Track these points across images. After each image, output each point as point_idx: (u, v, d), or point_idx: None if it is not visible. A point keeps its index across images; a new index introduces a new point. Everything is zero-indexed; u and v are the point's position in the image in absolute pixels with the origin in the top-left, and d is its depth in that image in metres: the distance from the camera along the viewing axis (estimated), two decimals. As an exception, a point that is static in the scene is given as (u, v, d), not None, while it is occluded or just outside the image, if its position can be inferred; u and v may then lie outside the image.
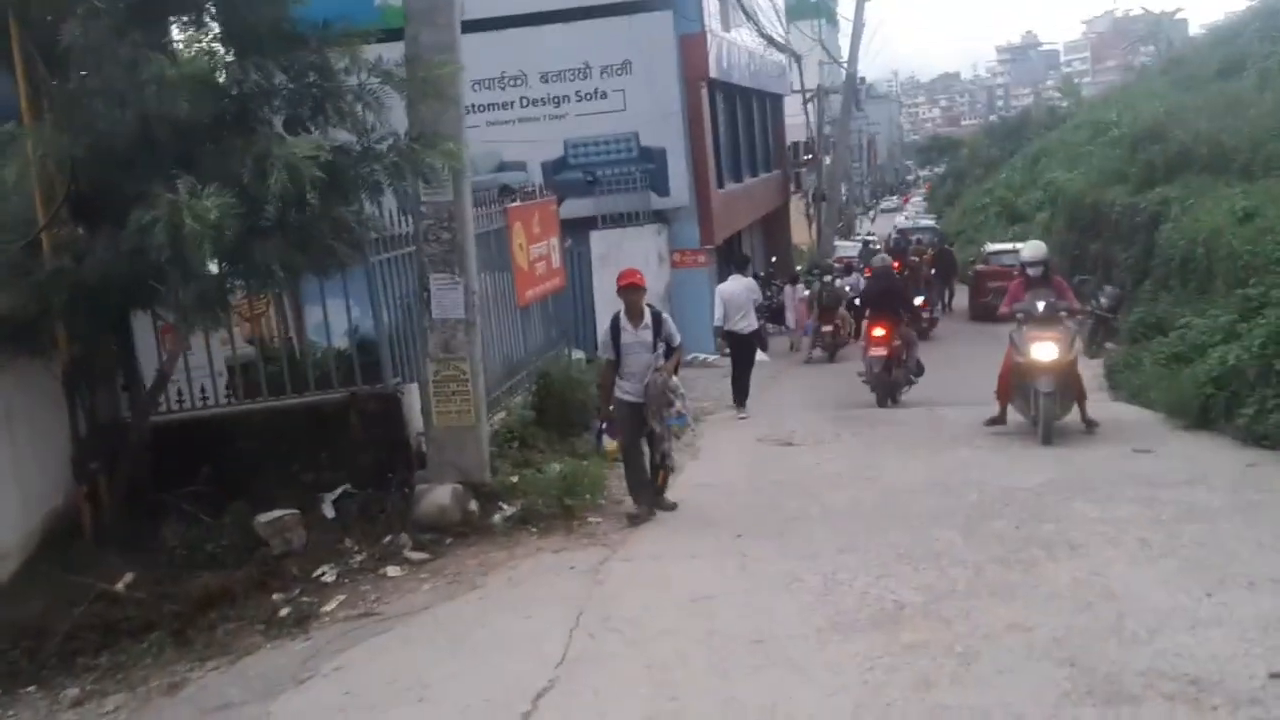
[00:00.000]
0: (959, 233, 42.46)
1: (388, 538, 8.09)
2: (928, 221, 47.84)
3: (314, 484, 8.63)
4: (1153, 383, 13.14)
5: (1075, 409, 11.02)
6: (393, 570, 7.65)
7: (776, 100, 31.10)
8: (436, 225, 8.59)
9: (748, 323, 14.48)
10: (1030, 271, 11.46)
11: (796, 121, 35.81)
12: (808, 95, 36.33)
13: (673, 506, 8.76)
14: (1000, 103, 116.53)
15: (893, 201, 75.37)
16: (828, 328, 20.55)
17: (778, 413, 14.05)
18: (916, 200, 71.22)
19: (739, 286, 14.72)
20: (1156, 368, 13.67)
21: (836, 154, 34.48)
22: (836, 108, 36.08)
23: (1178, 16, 61.64)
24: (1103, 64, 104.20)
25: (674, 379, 8.62)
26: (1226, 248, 16.53)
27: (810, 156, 34.99)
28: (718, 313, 14.47)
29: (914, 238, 34.19)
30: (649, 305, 8.81)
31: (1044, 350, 10.68)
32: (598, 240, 20.15)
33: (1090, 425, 10.97)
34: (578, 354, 14.27)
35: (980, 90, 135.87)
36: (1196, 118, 23.50)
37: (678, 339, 8.92)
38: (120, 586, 7.67)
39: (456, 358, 8.73)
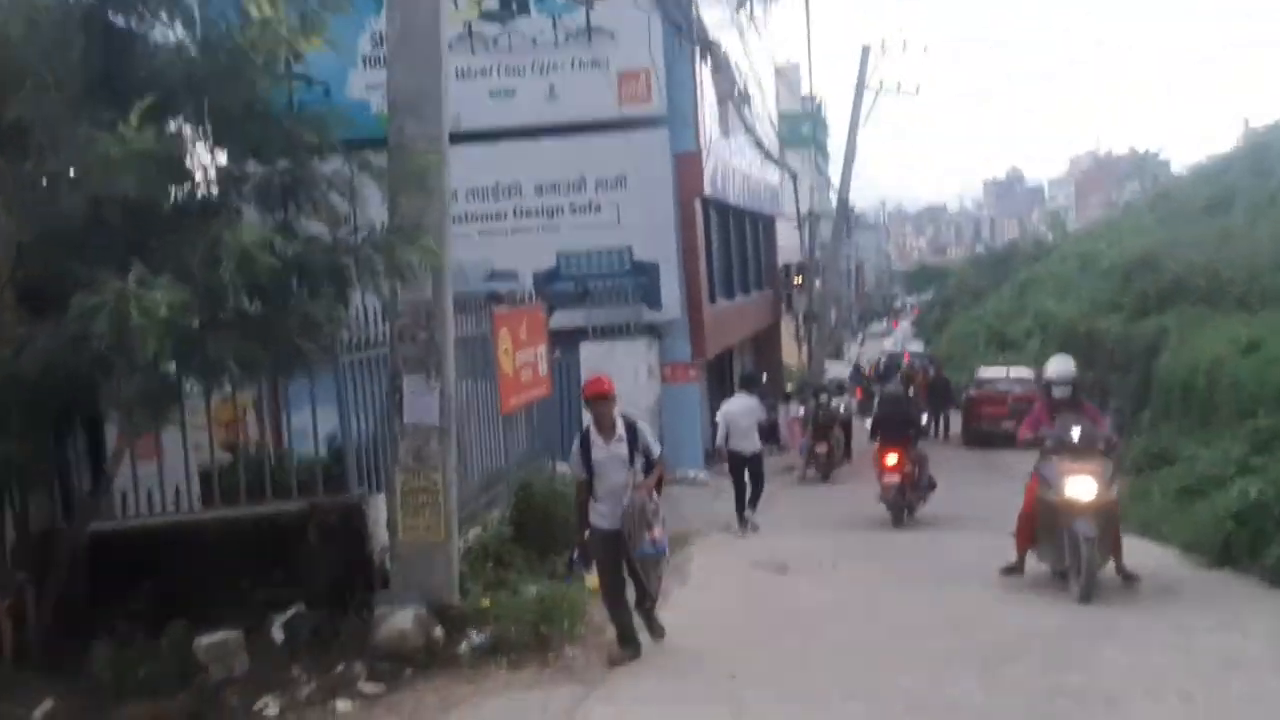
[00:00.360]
0: (949, 358, 42.12)
1: (340, 666, 7.23)
2: (916, 347, 47.65)
3: (266, 602, 7.79)
4: (1164, 516, 12.43)
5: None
6: (343, 705, 6.78)
7: (769, 222, 31.00)
8: (413, 324, 7.94)
9: (750, 443, 13.99)
10: (1056, 393, 9.73)
11: (788, 244, 35.77)
12: (801, 218, 36.29)
13: (662, 632, 7.89)
14: (986, 235, 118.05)
15: (881, 326, 75.47)
16: (821, 448, 19.87)
17: (773, 536, 13.29)
18: (905, 326, 71.29)
19: (743, 405, 14.31)
20: (1167, 501, 12.97)
21: (827, 276, 34.26)
22: (826, 233, 36.09)
23: (1160, 157, 62.51)
24: (1086, 200, 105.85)
25: (653, 500, 7.58)
26: (1230, 378, 16.04)
27: (801, 278, 34.80)
28: (720, 432, 14.02)
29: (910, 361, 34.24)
30: (622, 415, 7.77)
31: (1082, 487, 8.94)
32: (588, 351, 19.53)
33: (1129, 579, 9.16)
34: (562, 466, 13.52)
35: (966, 222, 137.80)
36: (1188, 250, 23.35)
37: (657, 450, 7.87)
38: (38, 715, 6.82)
39: (428, 467, 7.98)
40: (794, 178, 32.96)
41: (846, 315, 70.24)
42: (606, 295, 19.76)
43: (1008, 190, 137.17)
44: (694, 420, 20.37)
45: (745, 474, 13.98)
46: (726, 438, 13.98)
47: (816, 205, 43.54)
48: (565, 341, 19.78)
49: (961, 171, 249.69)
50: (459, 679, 7.11)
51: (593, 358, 19.47)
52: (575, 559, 8.62)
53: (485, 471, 10.80)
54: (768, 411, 22.10)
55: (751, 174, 26.97)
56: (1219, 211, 30.94)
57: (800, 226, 38.97)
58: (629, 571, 7.54)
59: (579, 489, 7.82)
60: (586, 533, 7.77)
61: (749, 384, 15.46)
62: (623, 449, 7.61)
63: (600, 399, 7.64)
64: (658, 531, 7.52)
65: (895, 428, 14.69)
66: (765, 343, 30.89)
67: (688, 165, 20.20)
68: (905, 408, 16.06)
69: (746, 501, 14.04)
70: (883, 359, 40.09)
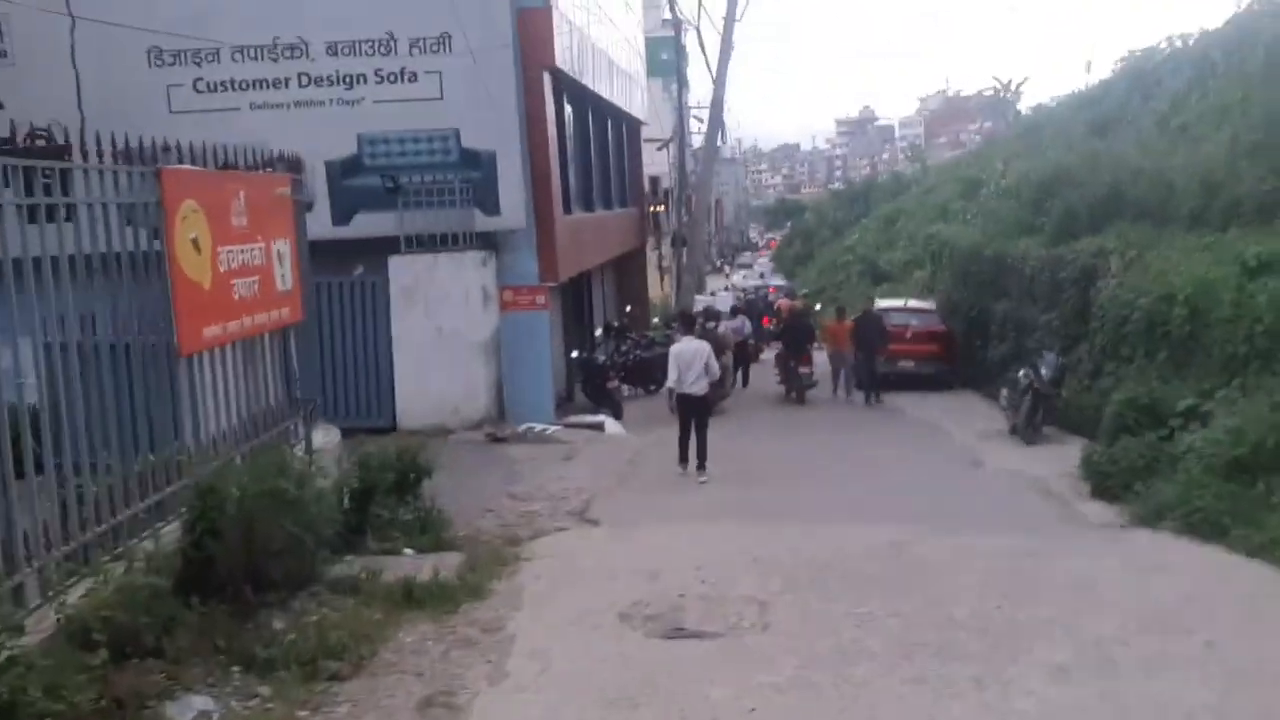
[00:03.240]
0: (820, 291, 38.35)
1: None
2: (778, 281, 44.07)
3: None
4: (1217, 504, 8.17)
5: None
6: None
7: (635, 127, 25.86)
8: None
9: (700, 386, 12.28)
10: None
11: (650, 168, 31.05)
12: (673, 133, 31.49)
13: None
14: (839, 173, 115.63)
15: (747, 258, 72.42)
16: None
17: (657, 524, 8.66)
18: (763, 261, 68.17)
19: (694, 347, 12.55)
20: (1209, 478, 8.74)
21: (700, 193, 29.32)
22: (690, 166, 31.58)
23: (1017, 92, 59.78)
24: (935, 139, 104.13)
25: None
26: (1231, 308, 12.00)
27: (666, 202, 30.10)
28: (672, 375, 12.40)
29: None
30: None
31: None
32: (399, 268, 14.39)
33: None
34: (325, 435, 8.50)
35: (819, 160, 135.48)
36: (1119, 162, 19.38)
37: None
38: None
39: None
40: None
41: (706, 249, 66.95)
42: (427, 194, 14.55)
43: (860, 129, 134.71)
44: (541, 359, 15.45)
45: (693, 420, 12.33)
46: (679, 380, 12.29)
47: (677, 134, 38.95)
48: (370, 254, 14.62)
49: (815, 111, 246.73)
50: None
51: (407, 276, 14.37)
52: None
53: (147, 461, 5.77)
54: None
55: (617, 61, 21.83)
56: (1101, 137, 27.51)
57: (666, 145, 34.29)
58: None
59: None
60: None
61: (689, 325, 14.08)
62: None
63: None
64: None
65: (796, 339, 19.37)
66: (628, 269, 25.98)
67: (534, 25, 15.02)
68: (806, 321, 20.89)
69: (694, 454, 12.30)
70: (745, 295, 36.46)
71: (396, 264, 14.35)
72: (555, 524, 9.49)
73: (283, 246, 7.81)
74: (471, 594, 6.42)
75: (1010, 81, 57.52)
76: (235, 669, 5.11)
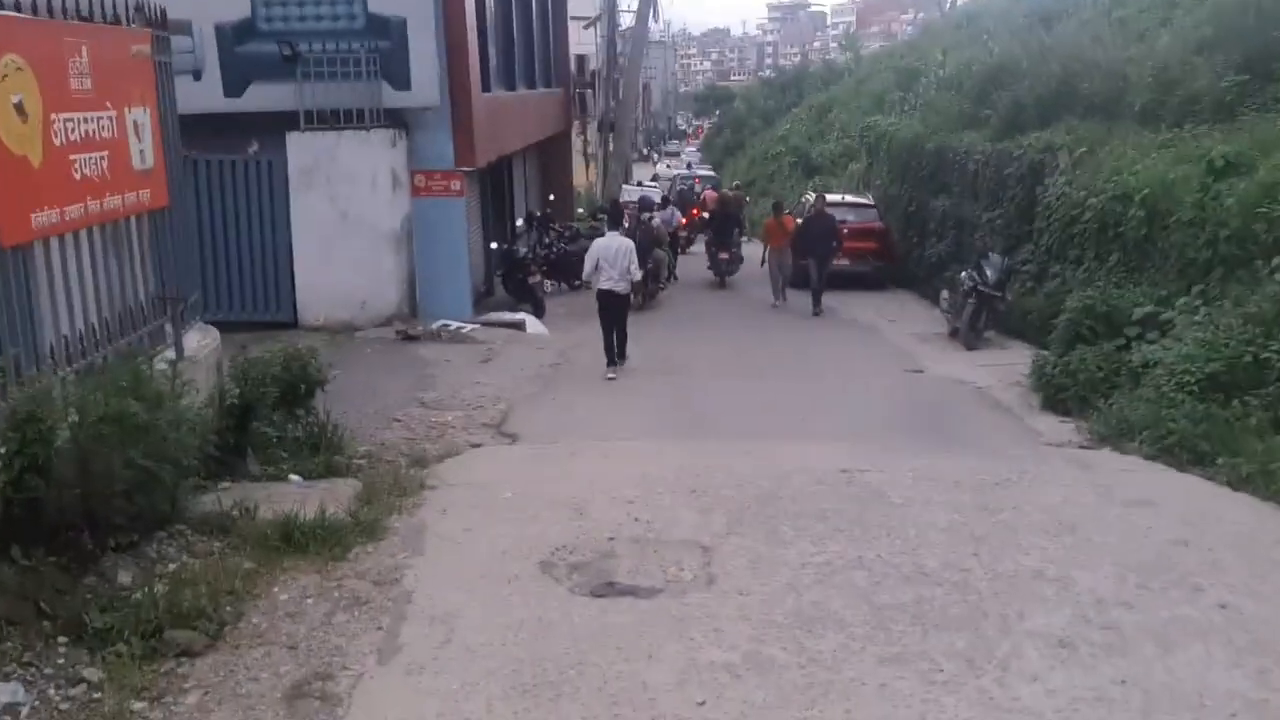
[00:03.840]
0: (750, 183, 37.27)
1: None
2: (705, 171, 42.79)
3: None
4: (1191, 427, 7.49)
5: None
6: None
7: (561, 1, 24.15)
8: None
9: (623, 284, 11.76)
10: None
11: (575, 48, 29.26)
12: (596, 16, 29.69)
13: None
14: (770, 60, 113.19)
15: (675, 146, 70.71)
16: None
17: (582, 441, 7.79)
18: (691, 150, 66.60)
19: (616, 244, 11.89)
20: (1182, 396, 8.05)
21: (630, 75, 27.71)
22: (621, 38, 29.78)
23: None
24: (866, 29, 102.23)
25: None
26: (1194, 211, 11.30)
27: (591, 82, 28.48)
28: (588, 266, 11.96)
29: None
30: None
31: None
32: (298, 147, 12.99)
33: None
34: (202, 337, 7.35)
35: (750, 47, 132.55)
36: (1060, 57, 18.41)
37: None
38: None
39: None
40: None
41: (633, 136, 65.09)
42: (329, 64, 13.07)
43: (792, 15, 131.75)
44: (457, 251, 14.24)
45: (614, 318, 11.89)
46: (595, 271, 11.81)
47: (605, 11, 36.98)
48: (266, 131, 13.16)
49: None
50: None
51: (306, 156, 13.00)
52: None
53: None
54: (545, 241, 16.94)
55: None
56: (1044, 29, 26.53)
57: (594, 24, 32.52)
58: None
59: None
60: None
61: (618, 219, 13.25)
62: None
63: None
64: None
65: (724, 228, 20.11)
66: (552, 155, 24.54)
67: None
68: (734, 211, 21.05)
69: (615, 349, 11.88)
70: (678, 181, 35.15)
71: (295, 142, 12.94)
72: (469, 438, 8.55)
73: (141, 116, 6.52)
74: (365, 534, 5.46)
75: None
76: (61, 641, 4.11)
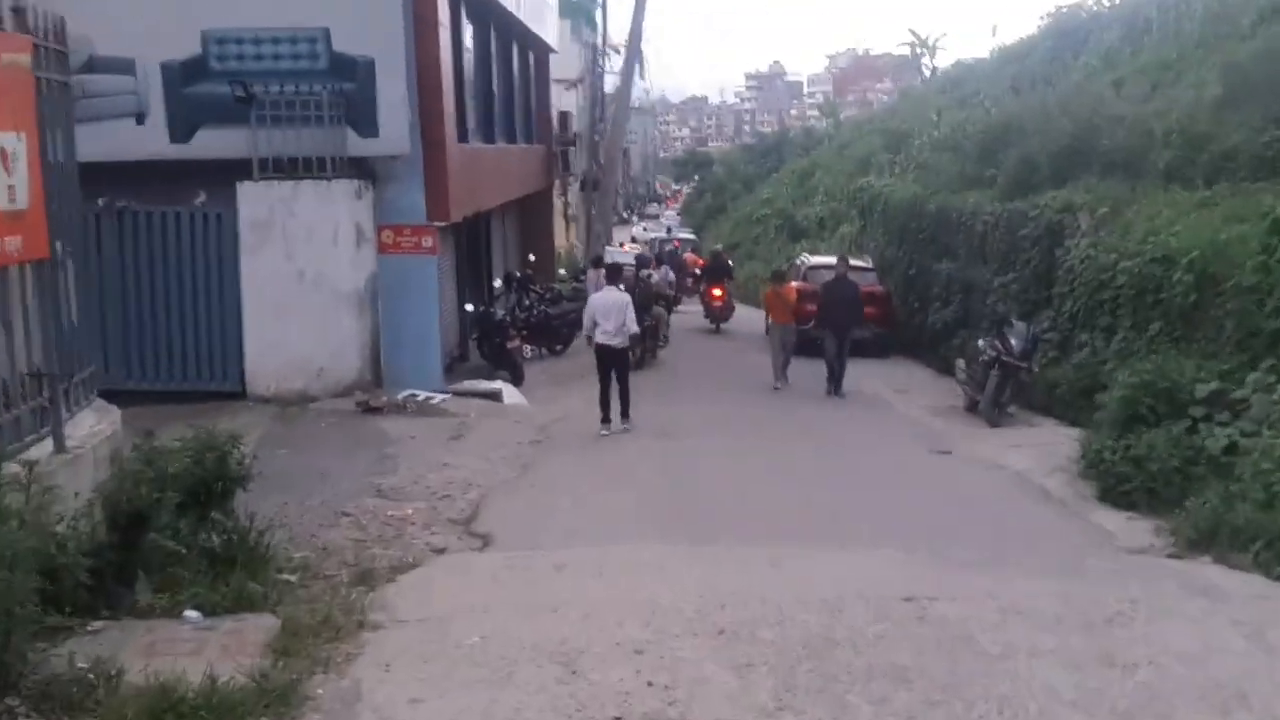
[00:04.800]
0: (735, 246, 36.23)
1: None
2: (685, 234, 41.95)
3: None
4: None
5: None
6: None
7: (544, 53, 22.94)
8: None
9: (620, 339, 11.45)
10: None
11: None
12: (584, 70, 28.59)
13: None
14: (748, 127, 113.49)
15: (654, 209, 70.29)
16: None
17: (570, 545, 6.24)
18: (670, 213, 65.97)
19: (611, 298, 11.63)
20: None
21: (615, 134, 26.54)
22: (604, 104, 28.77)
23: (938, 44, 58.12)
24: (843, 97, 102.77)
25: None
26: (1256, 276, 9.96)
27: (574, 140, 27.28)
28: (586, 323, 11.77)
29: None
30: None
31: None
32: (251, 197, 11.51)
33: None
34: (97, 419, 5.80)
35: (728, 114, 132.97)
36: (1075, 112, 17.27)
37: None
38: None
39: None
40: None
41: (614, 199, 64.80)
42: (287, 107, 11.64)
43: (769, 83, 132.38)
44: (427, 313, 12.72)
45: (612, 372, 11.54)
46: (594, 327, 11.55)
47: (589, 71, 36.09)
48: (215, 179, 11.67)
49: (723, 64, 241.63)
50: None
51: (260, 208, 11.53)
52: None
53: None
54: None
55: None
56: (1030, 91, 25.68)
57: (576, 85, 31.50)
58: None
59: None
60: None
61: (616, 275, 12.45)
62: None
63: None
64: None
65: (715, 274, 22.24)
66: (533, 213, 23.19)
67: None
68: (724, 261, 23.78)
69: (614, 404, 11.51)
70: (658, 244, 34.41)
71: (248, 192, 11.46)
72: (431, 539, 7.02)
73: (11, 143, 5.04)
74: (274, 709, 3.87)
75: (928, 38, 55.71)
76: None
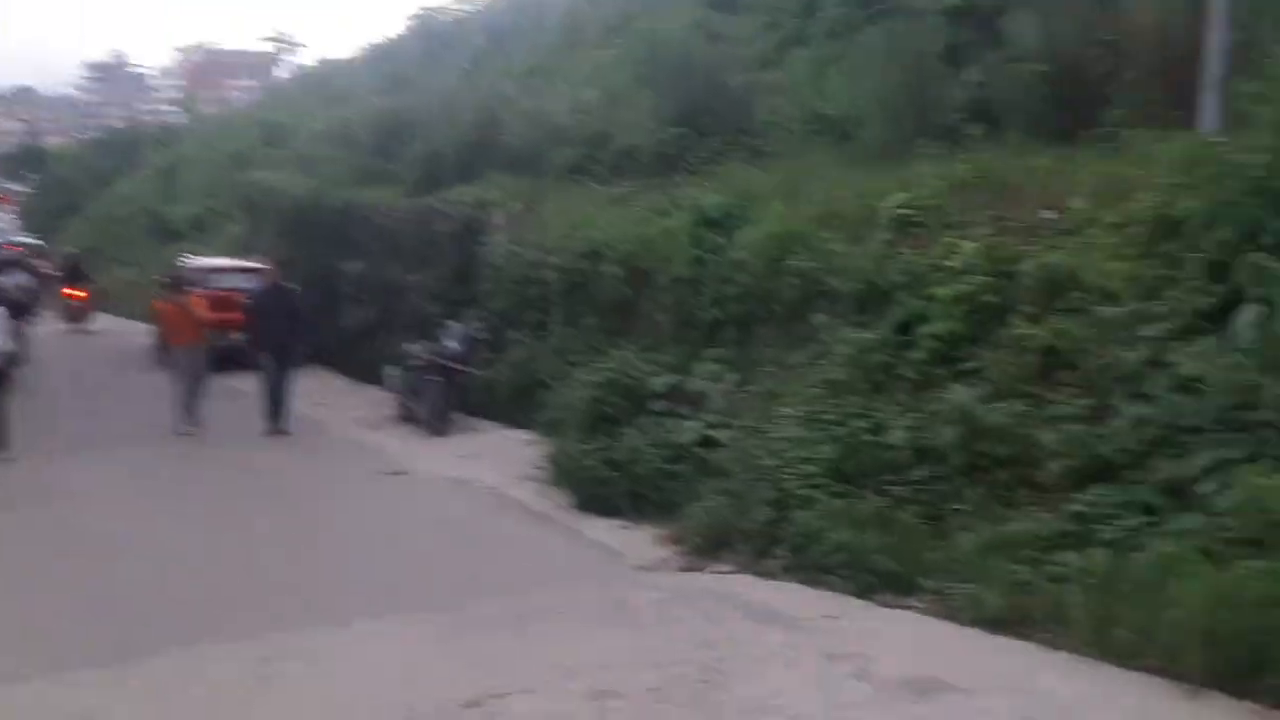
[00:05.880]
0: (93, 250, 31.35)
1: None
2: (27, 239, 35.86)
3: None
4: (862, 542, 5.72)
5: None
6: None
7: None
8: None
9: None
10: None
11: None
12: None
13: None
14: (93, 120, 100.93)
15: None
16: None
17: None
18: (5, 216, 56.14)
19: None
20: (816, 494, 6.24)
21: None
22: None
23: (302, 43, 56.39)
24: (199, 92, 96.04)
25: None
26: (691, 267, 9.97)
27: None
28: None
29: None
30: None
31: None
32: None
33: None
34: None
35: (64, 106, 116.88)
36: (480, 107, 16.88)
37: None
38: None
39: None
40: None
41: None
42: None
43: (112, 74, 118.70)
44: None
45: None
46: None
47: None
48: None
49: (54, 52, 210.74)
50: None
51: None
52: None
53: None
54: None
55: None
56: (396, 92, 25.44)
57: None
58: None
59: None
60: None
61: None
62: None
63: None
64: None
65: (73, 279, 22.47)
66: None
67: None
68: (80, 263, 23.39)
69: None
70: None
71: None
72: None
73: None
74: None
75: (292, 36, 53.58)
76: None
